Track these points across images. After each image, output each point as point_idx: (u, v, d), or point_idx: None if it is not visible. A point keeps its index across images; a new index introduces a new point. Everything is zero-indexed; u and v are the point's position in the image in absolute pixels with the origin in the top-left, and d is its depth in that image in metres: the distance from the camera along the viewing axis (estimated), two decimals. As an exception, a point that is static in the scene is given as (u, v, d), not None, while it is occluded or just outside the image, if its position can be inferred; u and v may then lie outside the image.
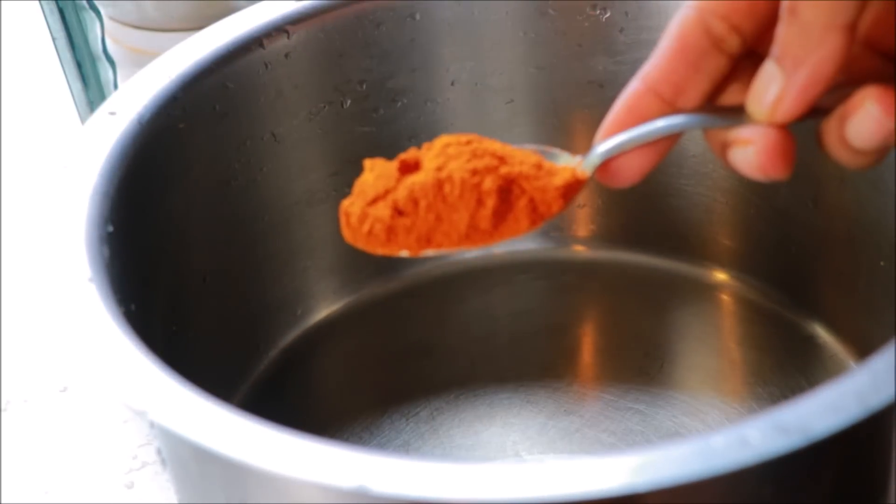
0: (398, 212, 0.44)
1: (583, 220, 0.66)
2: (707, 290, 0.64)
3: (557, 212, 0.44)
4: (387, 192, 0.44)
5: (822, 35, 0.39)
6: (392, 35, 0.61)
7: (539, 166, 0.44)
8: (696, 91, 0.43)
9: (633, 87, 0.44)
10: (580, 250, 0.67)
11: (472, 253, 0.66)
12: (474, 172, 0.43)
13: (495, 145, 0.45)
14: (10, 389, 0.63)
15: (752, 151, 0.41)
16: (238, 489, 0.42)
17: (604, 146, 0.44)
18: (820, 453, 0.39)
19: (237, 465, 0.38)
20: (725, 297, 0.64)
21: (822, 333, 0.61)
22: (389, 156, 0.63)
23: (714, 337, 0.61)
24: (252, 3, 0.59)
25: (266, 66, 0.58)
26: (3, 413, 0.62)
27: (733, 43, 0.42)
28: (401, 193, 0.44)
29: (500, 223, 0.44)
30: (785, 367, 0.59)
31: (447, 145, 0.45)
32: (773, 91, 0.40)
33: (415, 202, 0.44)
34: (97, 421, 0.61)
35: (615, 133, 0.44)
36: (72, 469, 0.59)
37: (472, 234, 0.44)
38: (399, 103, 0.62)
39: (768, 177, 0.42)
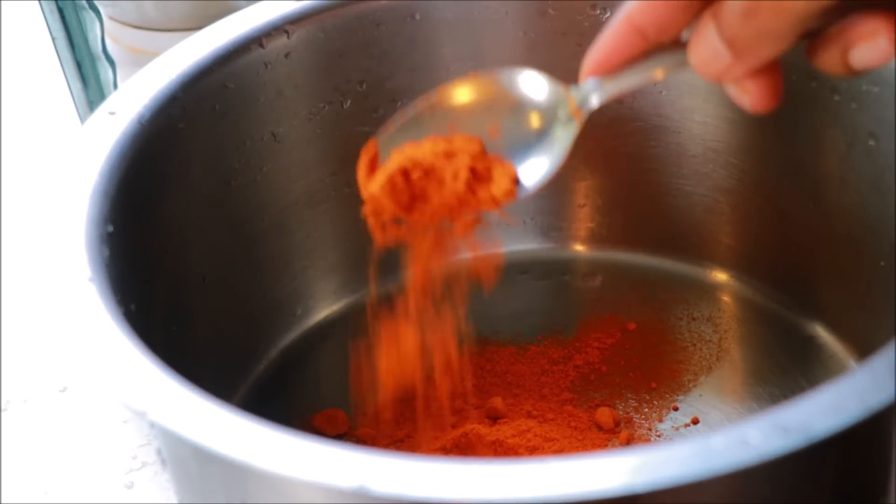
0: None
1: (583, 219, 0.66)
2: (707, 290, 0.64)
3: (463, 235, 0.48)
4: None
5: (779, 40, 0.40)
6: (392, 35, 0.61)
7: (475, 175, 0.47)
8: (678, 28, 0.43)
9: (617, 26, 0.44)
10: (580, 250, 0.67)
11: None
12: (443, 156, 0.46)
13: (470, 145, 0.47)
14: (10, 389, 0.63)
15: (747, 99, 0.42)
16: (238, 489, 0.42)
17: (600, 89, 0.45)
18: (820, 453, 0.39)
19: (237, 465, 0.38)
20: (725, 297, 0.64)
21: (822, 333, 0.61)
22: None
23: (714, 337, 0.61)
24: (252, 3, 0.59)
25: (266, 66, 0.58)
26: (3, 413, 0.62)
27: None
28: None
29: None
30: (785, 367, 0.59)
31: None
32: (718, 67, 0.41)
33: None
34: (97, 421, 0.61)
35: (601, 67, 0.45)
36: (72, 469, 0.59)
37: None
38: (399, 103, 0.62)
39: (759, 113, 0.43)
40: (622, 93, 0.45)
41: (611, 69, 0.45)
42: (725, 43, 0.41)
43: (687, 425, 0.57)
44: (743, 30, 0.40)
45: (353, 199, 0.63)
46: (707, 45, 0.41)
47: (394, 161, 0.47)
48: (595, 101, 0.46)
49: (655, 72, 0.45)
